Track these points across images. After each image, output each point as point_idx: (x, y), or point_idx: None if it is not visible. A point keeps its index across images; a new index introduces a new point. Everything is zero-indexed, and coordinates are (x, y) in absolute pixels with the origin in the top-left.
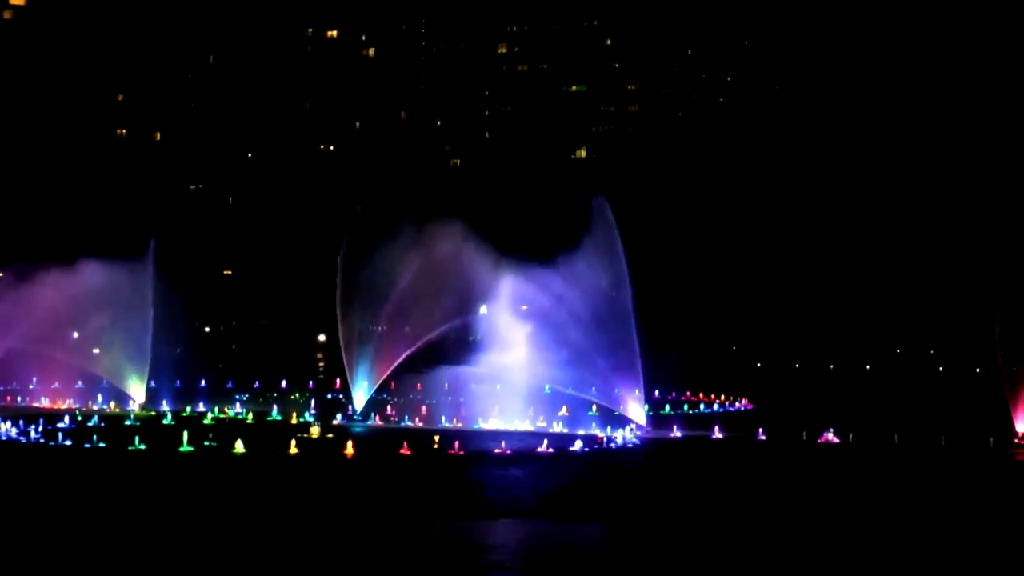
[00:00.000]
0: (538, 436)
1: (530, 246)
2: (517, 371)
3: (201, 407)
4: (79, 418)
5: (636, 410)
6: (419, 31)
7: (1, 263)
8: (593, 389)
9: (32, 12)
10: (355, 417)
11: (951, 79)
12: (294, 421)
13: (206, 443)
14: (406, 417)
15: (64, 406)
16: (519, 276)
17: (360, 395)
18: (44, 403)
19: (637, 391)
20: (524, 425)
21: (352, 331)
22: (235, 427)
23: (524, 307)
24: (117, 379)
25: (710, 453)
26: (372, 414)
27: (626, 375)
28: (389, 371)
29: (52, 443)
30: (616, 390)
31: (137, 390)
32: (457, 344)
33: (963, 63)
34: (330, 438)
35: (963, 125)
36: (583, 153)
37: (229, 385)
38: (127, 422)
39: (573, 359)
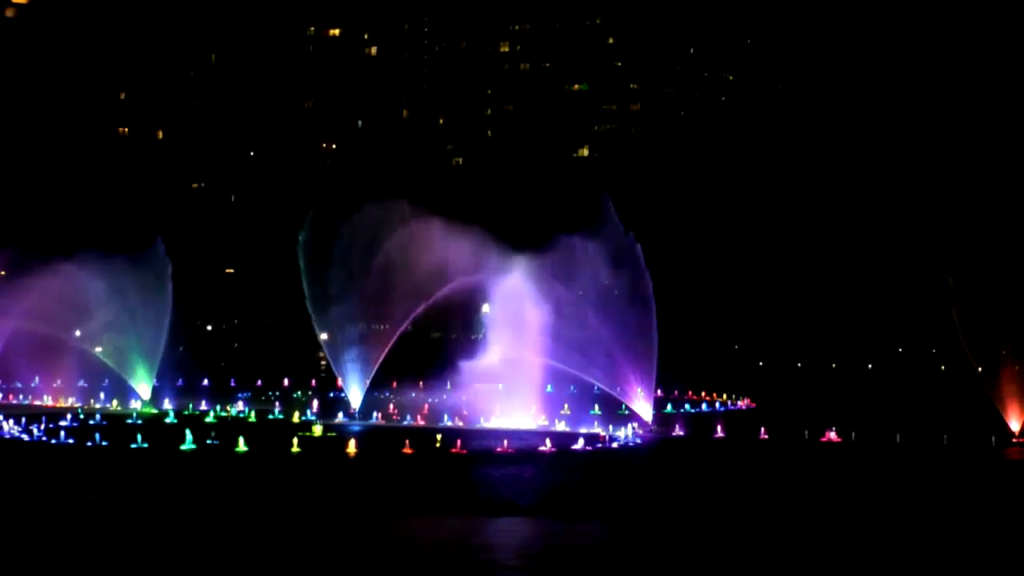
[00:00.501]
0: (540, 435)
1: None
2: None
3: (203, 405)
4: (81, 416)
5: (643, 407)
6: (421, 30)
7: (1, 261)
8: (596, 387)
9: (34, 11)
10: (355, 416)
11: (953, 78)
12: (296, 420)
13: (208, 441)
14: (408, 416)
15: (66, 404)
16: (524, 266)
17: (355, 392)
18: (47, 401)
19: (639, 389)
20: (526, 423)
21: (337, 329)
22: (237, 426)
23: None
24: (129, 376)
25: (712, 452)
26: (374, 413)
27: (640, 371)
28: (379, 362)
29: (54, 441)
30: (618, 388)
31: (144, 388)
32: (462, 343)
33: (964, 62)
34: (332, 437)
35: (966, 123)
36: (585, 152)
37: (231, 383)
38: (129, 420)
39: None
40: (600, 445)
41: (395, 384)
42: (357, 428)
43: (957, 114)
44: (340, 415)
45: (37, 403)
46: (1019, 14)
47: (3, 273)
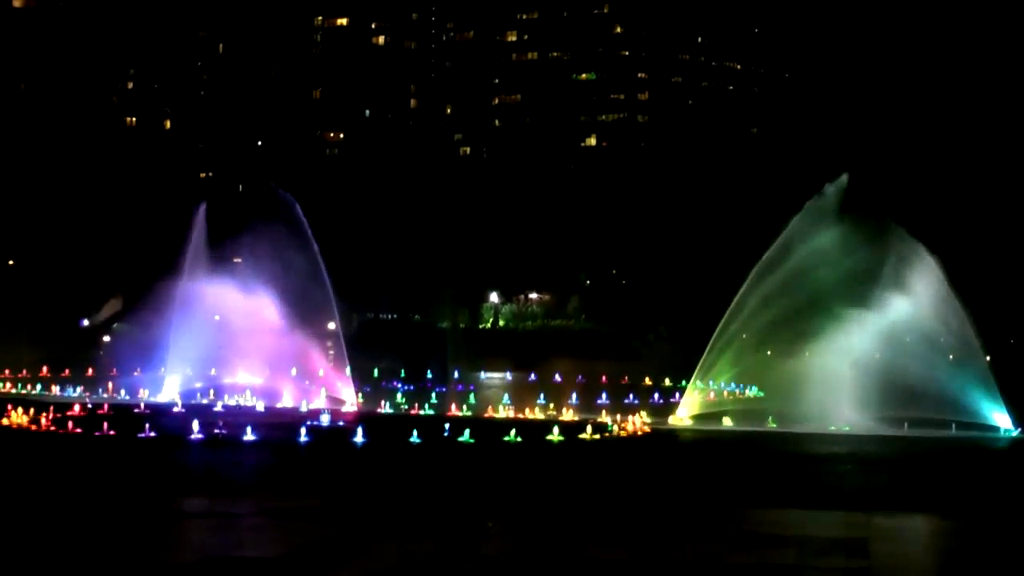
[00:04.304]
0: (548, 424)
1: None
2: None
3: (211, 395)
4: (89, 406)
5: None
6: (428, 19)
7: (5, 255)
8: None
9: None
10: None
11: (963, 70)
12: (304, 409)
13: (216, 431)
14: (416, 404)
15: (74, 394)
16: None
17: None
18: (55, 391)
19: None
20: (535, 413)
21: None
22: (245, 415)
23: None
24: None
25: (718, 443)
26: (382, 401)
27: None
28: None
29: (62, 431)
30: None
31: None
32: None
33: (974, 54)
34: (340, 426)
35: (976, 115)
36: (593, 141)
37: (239, 373)
38: (137, 410)
39: None
40: (609, 434)
41: (404, 374)
42: (365, 417)
43: (969, 102)
44: (347, 404)
45: (46, 393)
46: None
47: (12, 263)
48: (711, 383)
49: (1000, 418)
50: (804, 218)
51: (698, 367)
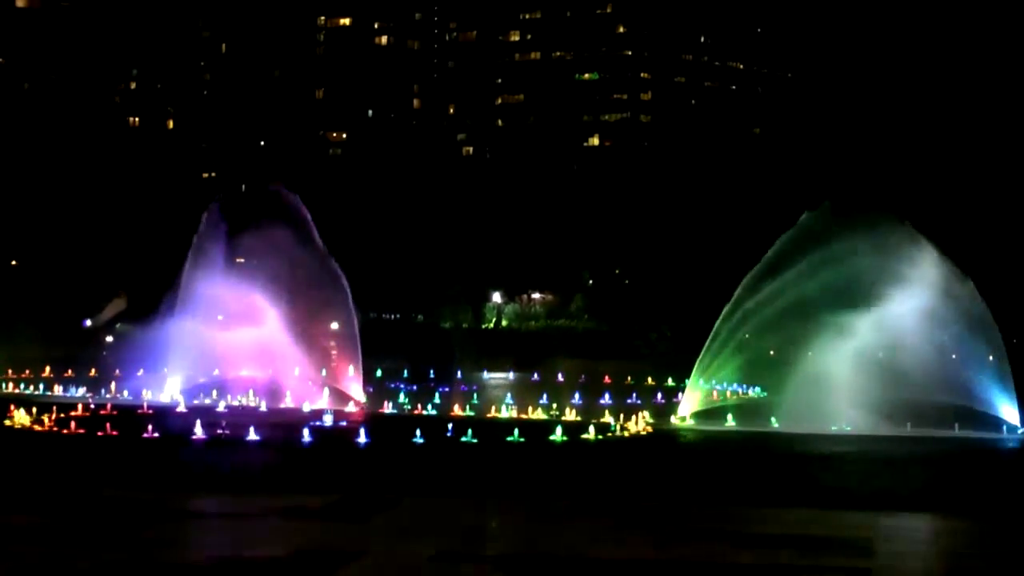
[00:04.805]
0: (551, 424)
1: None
2: None
3: (214, 395)
4: (92, 407)
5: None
6: (431, 19)
7: (8, 255)
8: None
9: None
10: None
11: (965, 69)
12: (307, 409)
13: (219, 431)
14: (419, 405)
15: (77, 394)
16: None
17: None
18: (58, 391)
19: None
20: (538, 413)
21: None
22: (248, 415)
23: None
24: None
25: (720, 442)
26: (385, 402)
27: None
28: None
29: (65, 431)
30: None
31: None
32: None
33: (976, 53)
34: (343, 426)
35: (980, 114)
36: (596, 141)
37: (242, 373)
38: (140, 411)
39: None
40: (611, 435)
41: (406, 373)
42: (369, 417)
43: (973, 100)
44: (351, 404)
45: (48, 394)
46: None
47: (15, 263)
48: (713, 383)
49: (1007, 415)
50: (808, 217)
51: (698, 366)
